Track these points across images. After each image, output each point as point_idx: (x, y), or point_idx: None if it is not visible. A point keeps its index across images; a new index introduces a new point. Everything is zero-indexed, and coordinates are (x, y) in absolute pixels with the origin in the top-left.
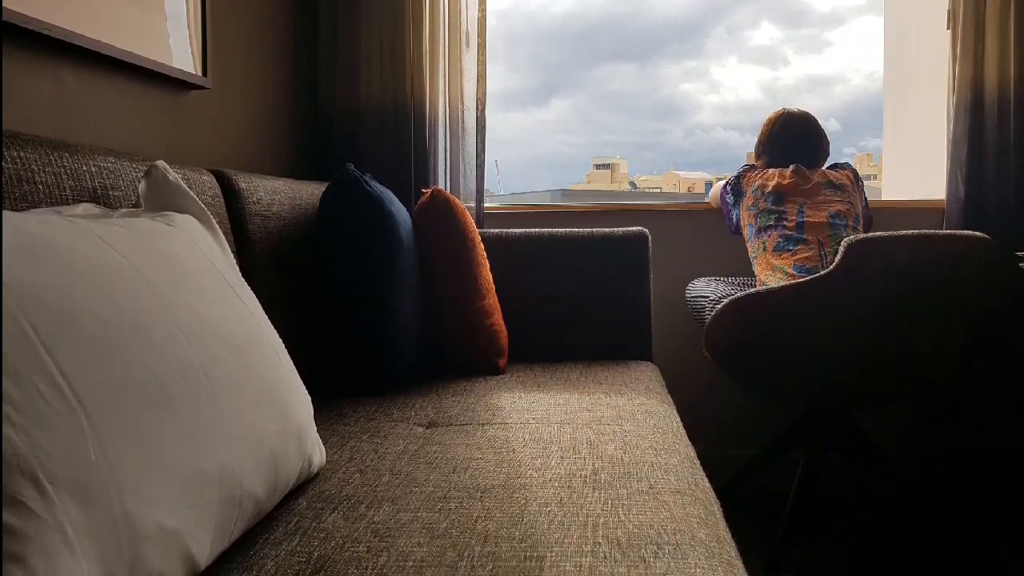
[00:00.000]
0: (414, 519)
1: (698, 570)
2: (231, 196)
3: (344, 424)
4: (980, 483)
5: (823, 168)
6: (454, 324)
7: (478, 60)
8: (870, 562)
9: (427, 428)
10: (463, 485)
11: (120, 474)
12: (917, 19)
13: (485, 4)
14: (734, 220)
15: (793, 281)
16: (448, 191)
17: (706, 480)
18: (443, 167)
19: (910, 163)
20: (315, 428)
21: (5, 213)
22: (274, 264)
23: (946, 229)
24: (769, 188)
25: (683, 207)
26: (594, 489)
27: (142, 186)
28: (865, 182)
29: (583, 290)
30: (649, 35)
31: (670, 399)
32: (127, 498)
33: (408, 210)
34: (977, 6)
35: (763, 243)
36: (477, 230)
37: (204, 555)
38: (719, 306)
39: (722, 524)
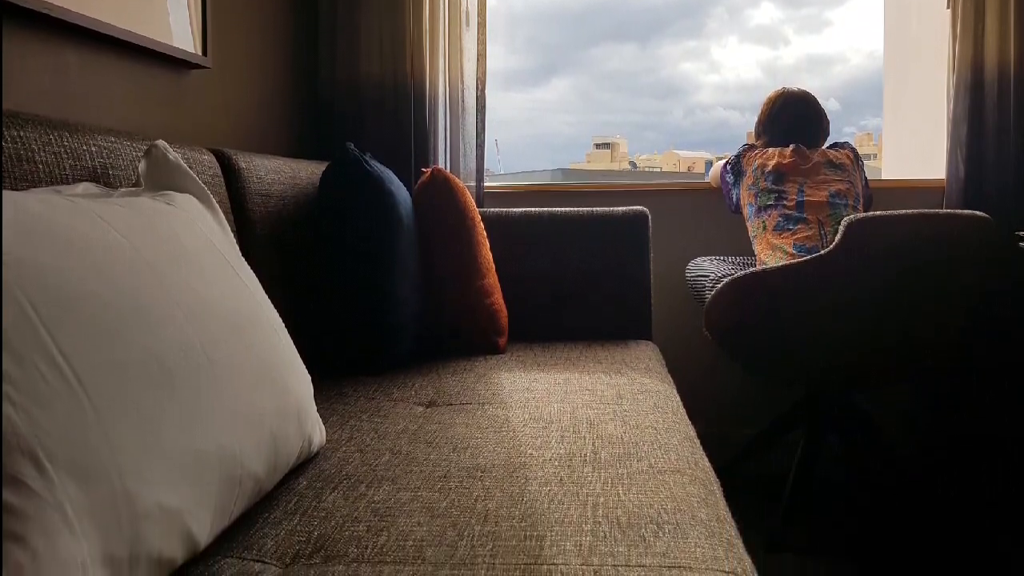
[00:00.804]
0: (414, 498)
1: (698, 549)
2: (231, 175)
3: (344, 403)
4: (980, 472)
5: (823, 147)
6: (454, 304)
7: (478, 39)
8: (870, 546)
9: (427, 407)
10: (463, 464)
11: (120, 454)
12: None
13: None
14: (734, 199)
15: (793, 261)
16: (448, 170)
17: (706, 460)
18: (443, 146)
19: (910, 143)
20: (315, 407)
21: (5, 192)
22: (274, 244)
23: (946, 209)
24: (769, 167)
25: (683, 186)
26: (594, 468)
27: (142, 165)
28: (865, 161)
29: (583, 269)
30: (649, 15)
31: (670, 379)
32: (127, 477)
33: (408, 189)
34: None
35: (763, 222)
36: (477, 209)
37: (204, 534)
38: (719, 286)
39: (722, 504)
